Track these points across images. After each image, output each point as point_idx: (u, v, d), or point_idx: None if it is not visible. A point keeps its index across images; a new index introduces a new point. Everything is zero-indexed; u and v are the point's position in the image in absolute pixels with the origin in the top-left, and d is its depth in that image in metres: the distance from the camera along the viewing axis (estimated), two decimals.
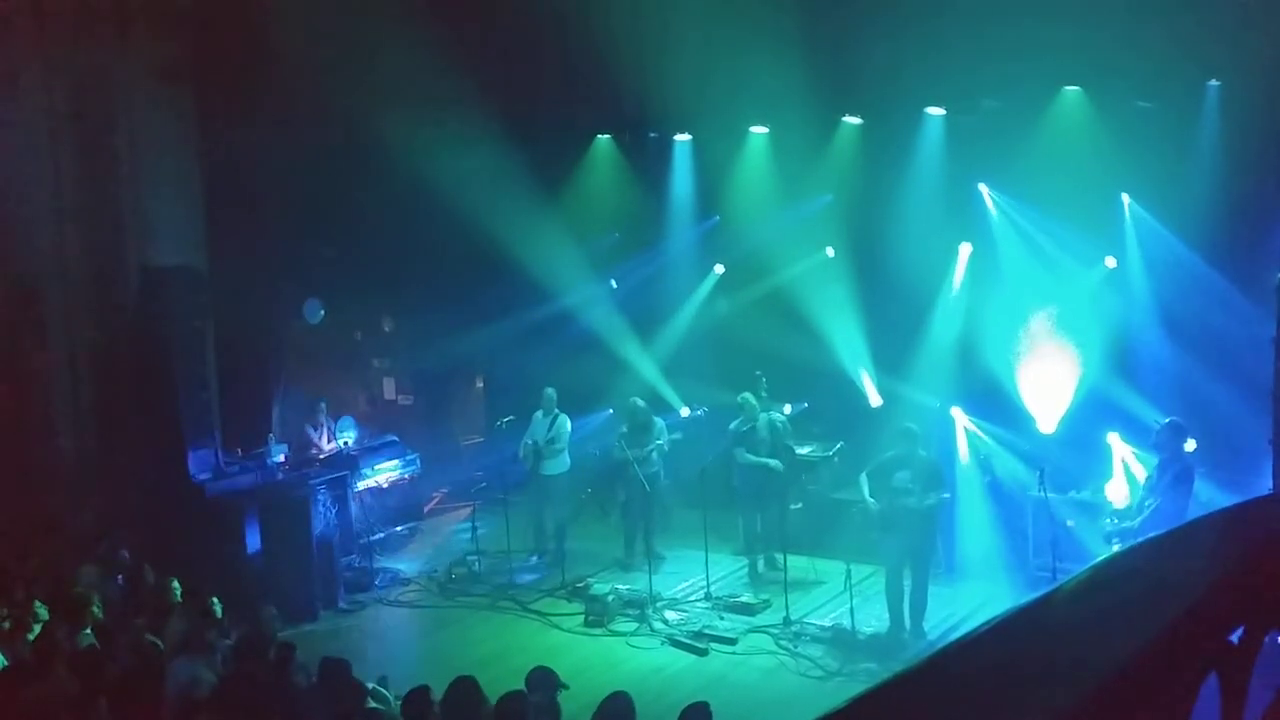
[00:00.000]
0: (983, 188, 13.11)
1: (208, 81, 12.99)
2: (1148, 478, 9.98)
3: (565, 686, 7.65)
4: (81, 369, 12.26)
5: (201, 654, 7.98)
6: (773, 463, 12.12)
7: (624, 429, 12.73)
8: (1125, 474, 11.60)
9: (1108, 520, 10.44)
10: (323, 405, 14.35)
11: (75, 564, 10.25)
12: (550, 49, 12.89)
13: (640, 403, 12.82)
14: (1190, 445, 11.44)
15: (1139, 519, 9.75)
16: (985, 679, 1.71)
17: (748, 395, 12.31)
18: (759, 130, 14.04)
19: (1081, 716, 1.57)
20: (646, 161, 14.96)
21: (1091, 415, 12.13)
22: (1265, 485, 10.52)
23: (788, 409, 12.74)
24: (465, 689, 6.88)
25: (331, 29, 12.50)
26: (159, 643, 8.56)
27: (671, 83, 12.00)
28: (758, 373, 12.76)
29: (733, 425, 12.28)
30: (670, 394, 14.78)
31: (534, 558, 13.10)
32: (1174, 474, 9.64)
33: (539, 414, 13.19)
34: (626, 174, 15.13)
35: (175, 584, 9.24)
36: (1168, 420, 10.01)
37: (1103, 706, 1.54)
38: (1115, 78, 11.29)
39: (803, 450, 13.02)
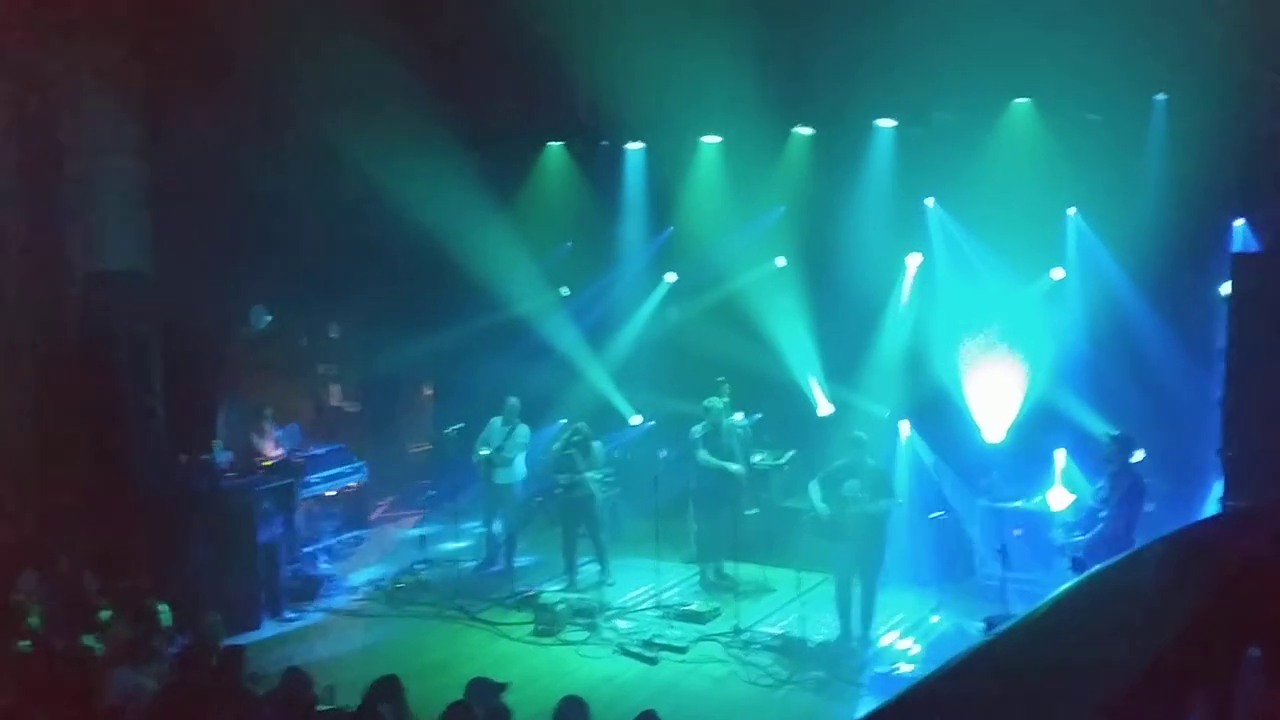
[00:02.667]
0: (929, 201, 13.20)
1: (155, 84, 12.80)
2: (1098, 490, 10.08)
3: (506, 686, 7.61)
4: (25, 374, 12.02)
5: (145, 662, 7.83)
6: (733, 466, 12.12)
7: (557, 448, 12.62)
8: (1064, 483, 11.76)
9: (1058, 531, 10.55)
10: (268, 412, 14.18)
11: (15, 571, 10.03)
12: (502, 54, 12.84)
13: (583, 426, 12.71)
14: (1138, 455, 11.59)
15: (1091, 532, 9.86)
16: (989, 700, 1.70)
17: (714, 399, 12.31)
18: (711, 140, 14.07)
19: None
20: (599, 169, 14.94)
21: (1038, 425, 12.28)
22: (1209, 495, 10.71)
23: (739, 416, 12.74)
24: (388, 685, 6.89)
25: (282, 33, 12.35)
26: (96, 647, 8.41)
27: (624, 90, 11.98)
28: (720, 378, 12.75)
29: (695, 429, 12.27)
30: (621, 403, 14.76)
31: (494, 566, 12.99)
32: (1125, 488, 9.77)
33: (497, 420, 13.08)
34: (578, 181, 15.10)
35: (163, 607, 9.02)
36: (1116, 433, 10.13)
37: None
38: (1064, 91, 11.43)
39: (754, 458, 13.05)
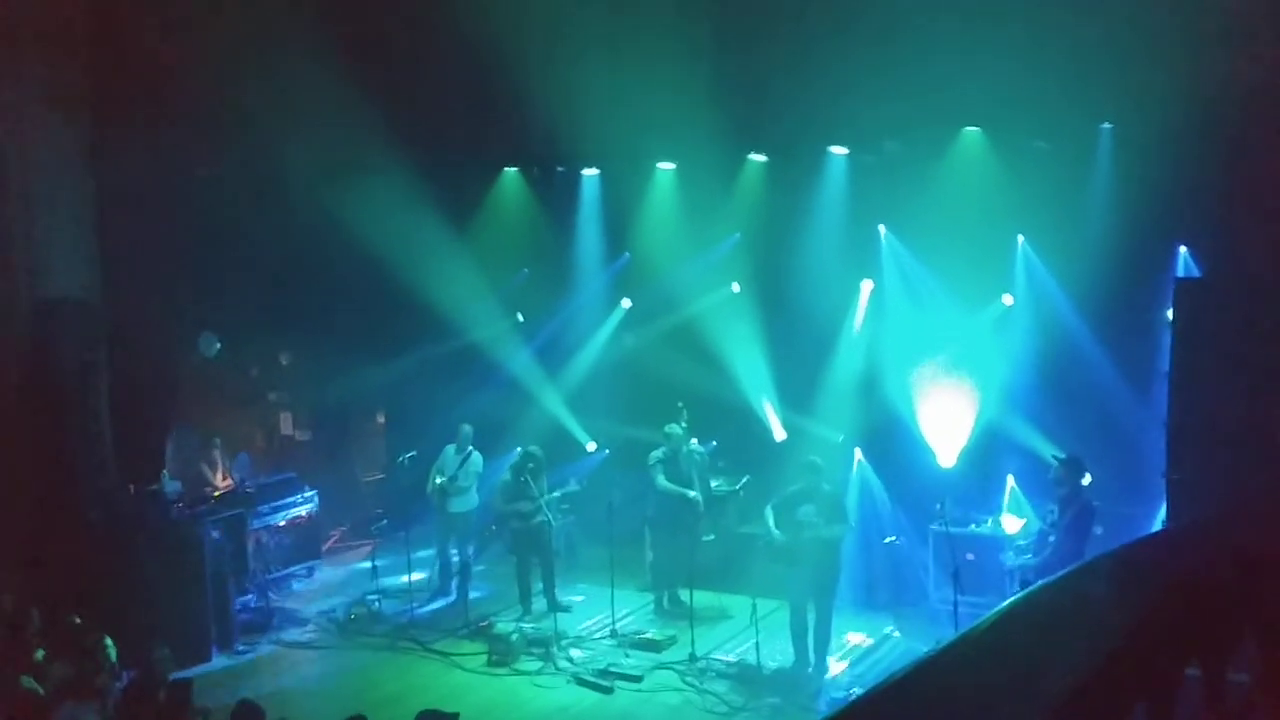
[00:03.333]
0: (881, 229, 13.30)
1: (103, 109, 12.66)
2: (1047, 513, 10.18)
3: (455, 717, 7.53)
4: None
5: (90, 698, 7.69)
6: (691, 493, 12.11)
7: (506, 477, 12.52)
8: (1011, 508, 11.86)
9: (1010, 554, 10.62)
10: (217, 441, 14.03)
11: None
12: (457, 80, 12.81)
13: (536, 450, 12.61)
14: (1087, 479, 11.71)
15: (1041, 555, 9.95)
16: (930, 714, 1.70)
17: (674, 426, 12.30)
18: (666, 166, 14.11)
19: None
20: (554, 195, 14.93)
21: (990, 450, 12.36)
22: (1156, 518, 10.82)
23: (695, 443, 12.73)
24: None
25: (232, 58, 12.28)
26: (36, 688, 8.24)
27: (579, 117, 11.99)
28: (679, 404, 12.74)
29: (653, 454, 12.24)
30: (577, 430, 14.71)
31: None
32: (1075, 512, 9.87)
33: (451, 448, 13.01)
34: (534, 207, 15.09)
35: (109, 641, 8.83)
36: (1065, 457, 10.23)
37: None
38: (1013, 119, 11.56)
39: (711, 484, 13.04)
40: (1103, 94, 10.88)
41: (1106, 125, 11.70)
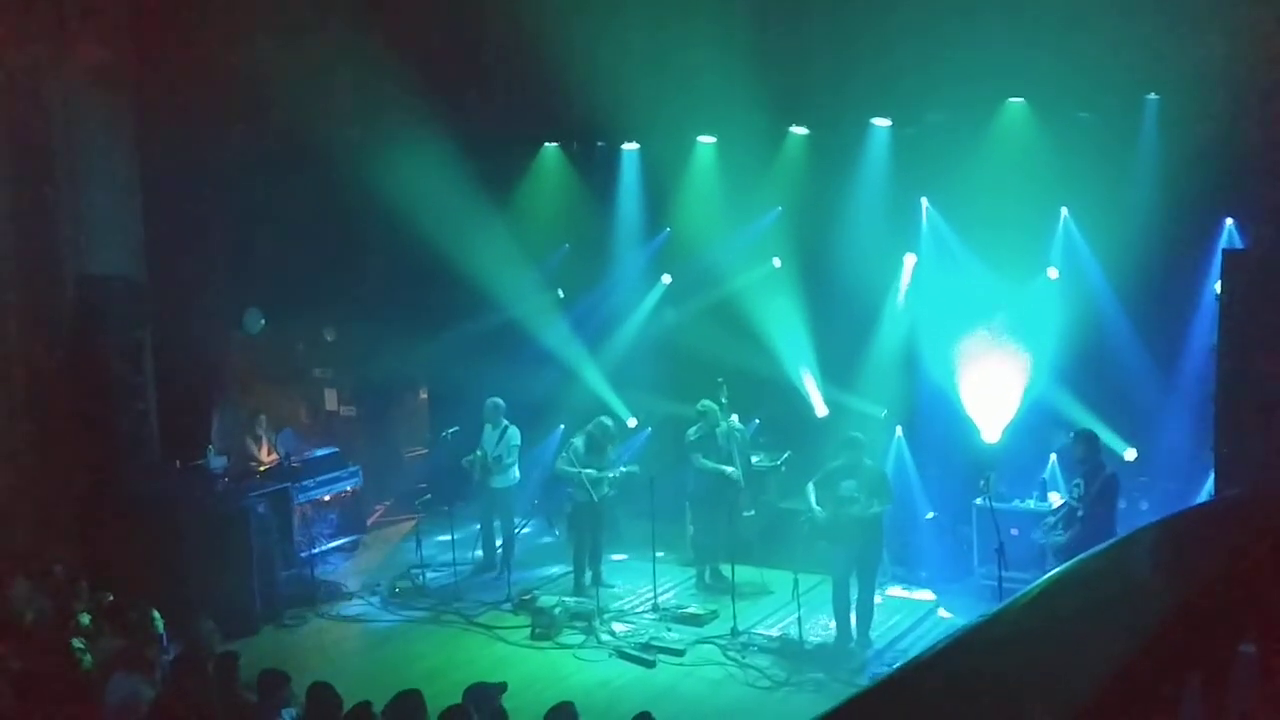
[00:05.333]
0: (924, 201, 13.19)
1: (147, 87, 12.75)
2: (1074, 486, 10.16)
3: (503, 687, 7.60)
4: (16, 379, 11.97)
5: (140, 670, 7.80)
6: (729, 470, 12.09)
7: (577, 443, 12.49)
8: (1055, 484, 11.79)
9: (1040, 530, 10.57)
10: (262, 418, 14.15)
11: (8, 579, 9.99)
12: (497, 55, 12.81)
13: (608, 422, 12.58)
14: (1130, 454, 11.63)
15: (1071, 530, 9.92)
16: (974, 687, 1.68)
17: (708, 402, 12.26)
18: (707, 140, 14.04)
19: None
20: (594, 170, 14.89)
21: (1035, 425, 12.26)
22: (1204, 492, 10.73)
23: (736, 419, 12.69)
24: (410, 704, 6.80)
25: (273, 35, 12.34)
26: (86, 658, 8.37)
27: (619, 91, 11.94)
28: (719, 379, 12.70)
29: (691, 431, 12.23)
30: (618, 405, 14.72)
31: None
32: (1101, 483, 9.90)
33: (487, 427, 13.06)
34: (574, 182, 15.06)
35: (156, 614, 8.94)
36: (1078, 431, 10.27)
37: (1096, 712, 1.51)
38: (1057, 90, 11.41)
39: (752, 460, 13.03)
40: (1149, 64, 10.72)
41: (1152, 96, 11.54)
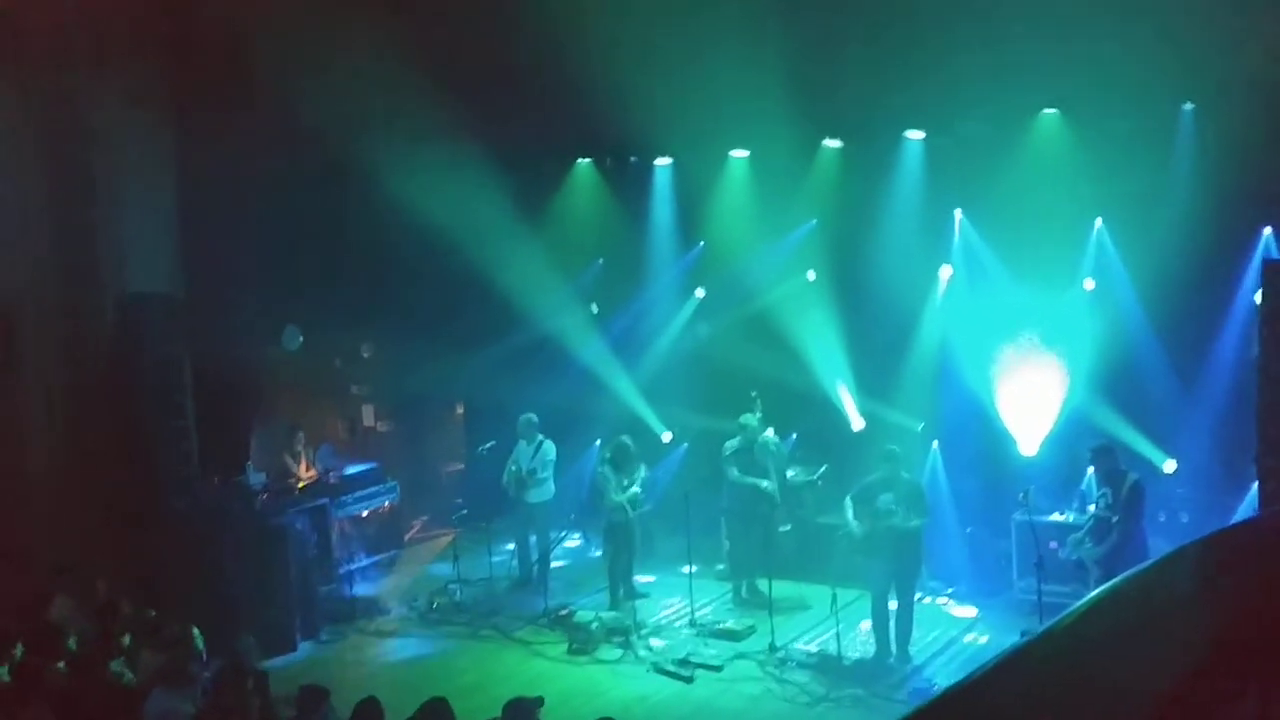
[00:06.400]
0: (958, 214, 13.14)
1: (185, 106, 12.89)
2: (1100, 497, 10.12)
3: (540, 702, 7.61)
4: (56, 398, 12.10)
5: (180, 686, 7.85)
6: (764, 483, 12.06)
7: (606, 470, 12.47)
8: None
9: (1069, 545, 10.49)
10: (300, 434, 14.23)
11: (49, 596, 10.08)
12: (530, 72, 12.85)
13: (627, 441, 12.61)
14: (1170, 466, 11.53)
15: (1107, 542, 9.88)
16: (1022, 705, 1.67)
17: (749, 416, 12.26)
18: (740, 154, 14.04)
19: None
20: (628, 186, 14.93)
21: (1073, 438, 12.16)
22: (1246, 504, 10.62)
23: (771, 433, 12.67)
24: (437, 711, 6.86)
25: (310, 55, 12.43)
26: (126, 673, 8.43)
27: (652, 106, 11.98)
28: (753, 394, 12.70)
29: (728, 445, 12.22)
30: (652, 419, 14.72)
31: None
32: (1129, 490, 9.93)
33: (521, 443, 13.09)
34: (607, 198, 15.11)
35: (196, 631, 9.01)
36: (1094, 447, 10.33)
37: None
38: (1092, 100, 11.35)
39: (788, 474, 13.00)
40: (1185, 73, 10.64)
41: (1188, 105, 11.45)
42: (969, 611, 11.77)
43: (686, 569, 12.08)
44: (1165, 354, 11.94)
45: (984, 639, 11.10)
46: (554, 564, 13.39)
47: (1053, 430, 12.35)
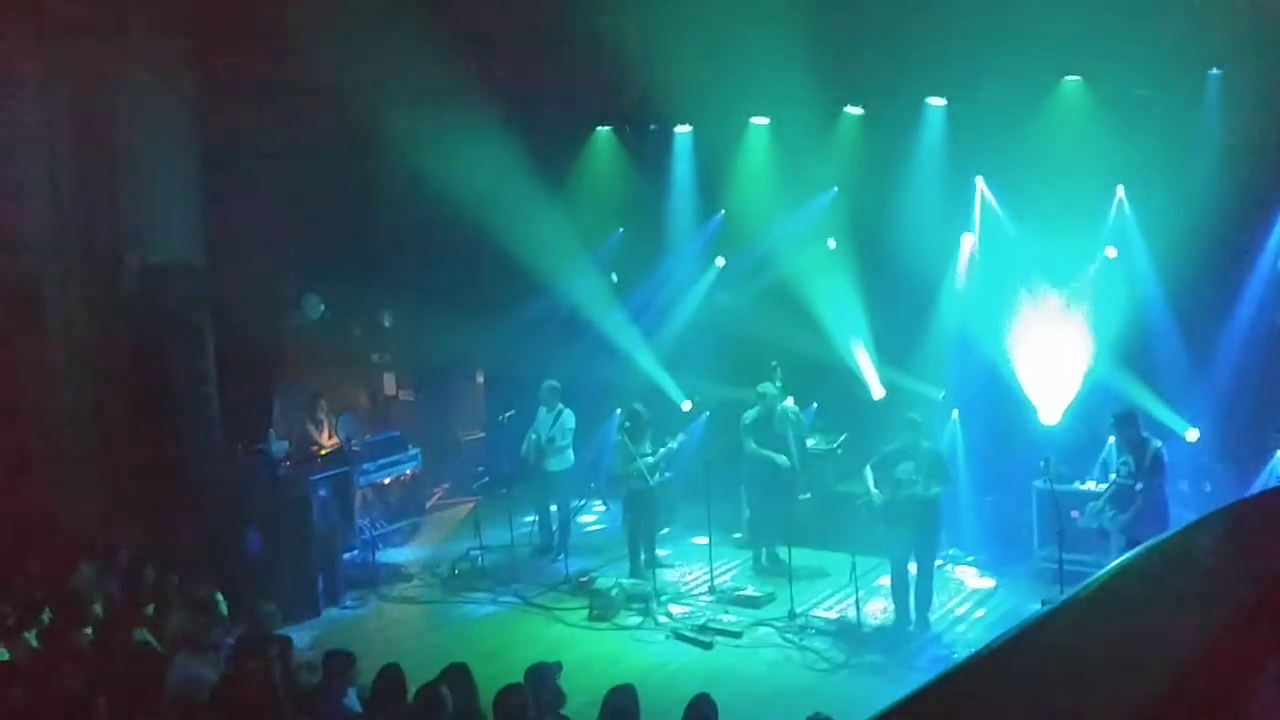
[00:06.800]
0: (979, 180, 13.04)
1: (208, 76, 12.91)
2: (1121, 465, 10.11)
3: (559, 666, 7.67)
4: (80, 365, 12.20)
5: (203, 652, 7.93)
6: (779, 458, 12.03)
7: (622, 438, 12.51)
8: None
9: (1088, 514, 10.47)
10: (322, 402, 14.28)
11: (74, 562, 10.19)
12: (550, 40, 12.80)
13: (639, 408, 12.58)
14: (1192, 435, 11.47)
15: (1131, 508, 9.88)
16: (1043, 674, 1.67)
17: (767, 385, 12.24)
18: (760, 121, 13.97)
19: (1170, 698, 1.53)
20: (647, 153, 14.87)
21: (1095, 406, 12.10)
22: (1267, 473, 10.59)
23: (791, 402, 12.65)
24: (457, 675, 6.94)
25: (332, 23, 12.42)
26: (151, 641, 8.52)
27: (672, 73, 11.93)
28: (773, 363, 12.67)
29: (746, 415, 12.20)
30: (672, 388, 14.72)
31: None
32: (1151, 457, 9.94)
33: (542, 410, 13.11)
34: (627, 166, 15.05)
35: (220, 596, 9.08)
36: (1116, 415, 10.30)
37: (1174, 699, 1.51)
38: (1116, 67, 11.24)
39: (808, 442, 12.99)
40: (1212, 38, 10.51)
41: (1215, 71, 11.32)
42: (989, 580, 11.77)
43: (697, 540, 12.15)
44: (1187, 322, 11.85)
45: (1004, 607, 11.10)
46: (586, 525, 13.40)
47: (1075, 399, 12.29)
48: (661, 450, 12.24)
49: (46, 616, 8.86)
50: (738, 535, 12.93)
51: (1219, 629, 1.75)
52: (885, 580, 10.90)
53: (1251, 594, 1.85)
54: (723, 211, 14.86)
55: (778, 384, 12.42)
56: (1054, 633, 1.91)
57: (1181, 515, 10.17)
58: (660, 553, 12.73)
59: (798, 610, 10.92)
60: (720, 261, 15.09)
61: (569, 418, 13.08)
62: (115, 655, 8.19)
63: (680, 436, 12.46)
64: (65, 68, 11.96)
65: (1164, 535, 2.23)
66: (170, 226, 12.76)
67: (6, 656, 8.14)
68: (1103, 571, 2.10)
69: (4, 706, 7.28)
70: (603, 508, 14.66)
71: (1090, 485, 11.40)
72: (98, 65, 12.10)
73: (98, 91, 12.18)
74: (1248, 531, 2.21)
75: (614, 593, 11.33)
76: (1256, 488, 10.73)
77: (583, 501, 14.01)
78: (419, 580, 12.69)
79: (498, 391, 16.03)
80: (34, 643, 8.52)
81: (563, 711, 7.23)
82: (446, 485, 15.82)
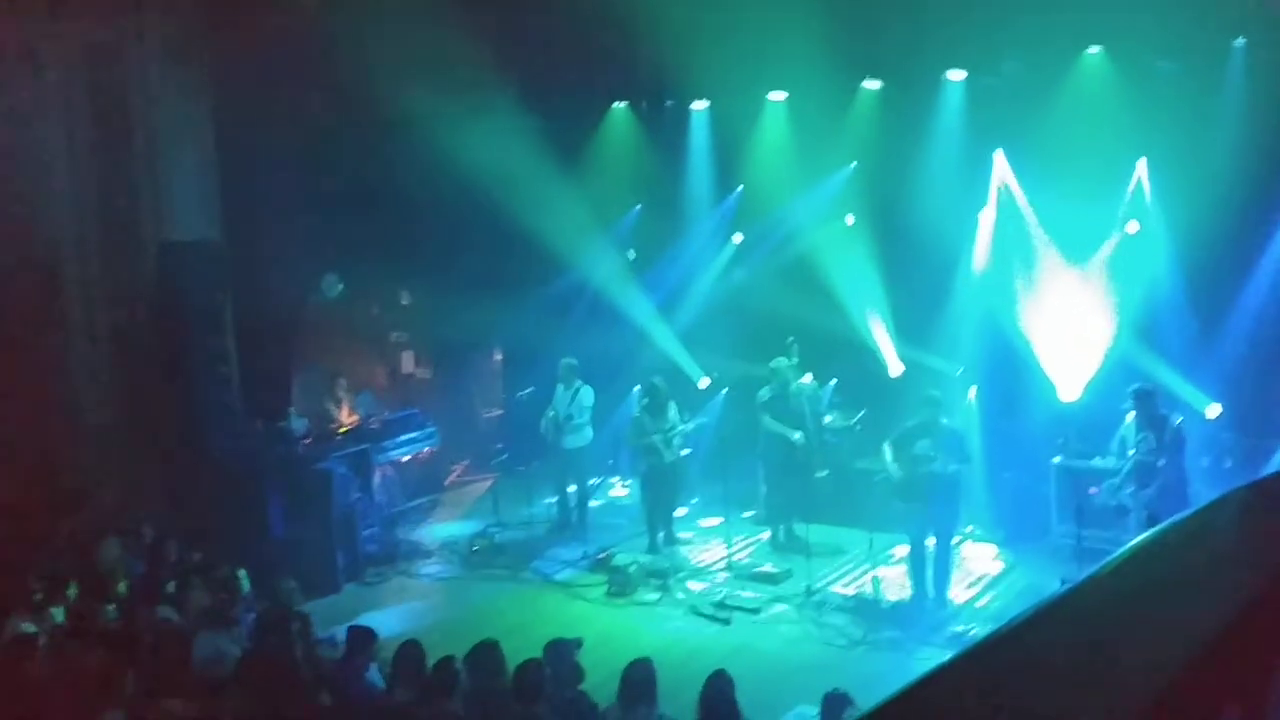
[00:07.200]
0: (999, 155, 12.95)
1: (224, 54, 12.91)
2: (1140, 441, 10.07)
3: (579, 643, 7.71)
4: (101, 345, 12.26)
5: (225, 628, 8.00)
6: (794, 435, 12.03)
7: (638, 412, 12.56)
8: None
9: (1105, 491, 10.44)
10: (341, 380, 14.34)
11: (98, 538, 10.27)
12: (565, 14, 12.75)
13: (659, 381, 12.66)
14: (1214, 411, 11.42)
15: (1154, 484, 9.85)
16: (1063, 653, 1.67)
17: (781, 360, 12.22)
18: (777, 96, 13.89)
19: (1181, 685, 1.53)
20: (664, 129, 14.81)
21: (1116, 382, 12.04)
22: None
23: (809, 379, 12.64)
24: (488, 654, 6.97)
25: (347, 2, 12.41)
26: (172, 618, 8.60)
27: (688, 48, 11.84)
28: (790, 339, 12.65)
29: (762, 391, 12.19)
30: (690, 365, 14.70)
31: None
32: (1173, 433, 9.98)
33: (560, 387, 13.13)
34: (644, 142, 14.98)
35: (242, 573, 9.16)
36: (1134, 390, 10.28)
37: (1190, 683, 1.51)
38: (1138, 38, 11.13)
39: (825, 419, 12.97)
40: (1235, 6, 10.40)
41: (1240, 41, 11.20)
42: (1007, 557, 11.75)
43: (705, 521, 12.26)
44: (1208, 297, 11.77)
45: (1021, 584, 11.09)
46: (604, 502, 13.42)
47: (1095, 375, 12.23)
48: (681, 427, 12.27)
49: (73, 591, 8.94)
50: (748, 514, 12.90)
51: (1238, 613, 1.74)
52: (903, 554, 10.90)
53: (1264, 581, 1.84)
54: (740, 187, 14.79)
55: (794, 360, 12.39)
56: (1073, 612, 1.90)
57: (1201, 491, 10.14)
58: (683, 535, 12.77)
59: (815, 586, 10.93)
60: (738, 238, 15.03)
61: (587, 395, 13.08)
62: (139, 631, 8.26)
63: (700, 418, 12.48)
64: (80, 47, 11.97)
65: (1182, 514, 2.22)
66: (189, 205, 12.78)
67: (34, 630, 8.22)
68: (1121, 550, 2.10)
69: (30, 681, 7.36)
70: (624, 488, 14.59)
71: (1106, 462, 11.36)
72: (113, 44, 12.10)
73: (113, 70, 12.18)
74: (1269, 511, 2.19)
75: (632, 569, 11.36)
76: (1274, 464, 10.69)
77: (601, 479, 14.01)
78: (438, 557, 12.75)
79: (516, 369, 16.04)
80: (60, 619, 8.61)
81: (581, 687, 7.27)
82: (465, 462, 15.87)
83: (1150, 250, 12.17)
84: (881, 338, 13.67)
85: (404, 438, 13.86)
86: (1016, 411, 12.47)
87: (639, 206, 15.40)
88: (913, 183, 12.78)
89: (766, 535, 12.49)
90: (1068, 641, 1.77)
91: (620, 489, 14.51)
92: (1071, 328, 12.33)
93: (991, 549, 11.94)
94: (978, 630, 9.81)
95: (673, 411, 12.44)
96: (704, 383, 14.72)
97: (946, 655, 1.84)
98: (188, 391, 12.32)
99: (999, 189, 13.04)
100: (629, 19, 11.74)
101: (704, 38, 11.77)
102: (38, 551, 10.07)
